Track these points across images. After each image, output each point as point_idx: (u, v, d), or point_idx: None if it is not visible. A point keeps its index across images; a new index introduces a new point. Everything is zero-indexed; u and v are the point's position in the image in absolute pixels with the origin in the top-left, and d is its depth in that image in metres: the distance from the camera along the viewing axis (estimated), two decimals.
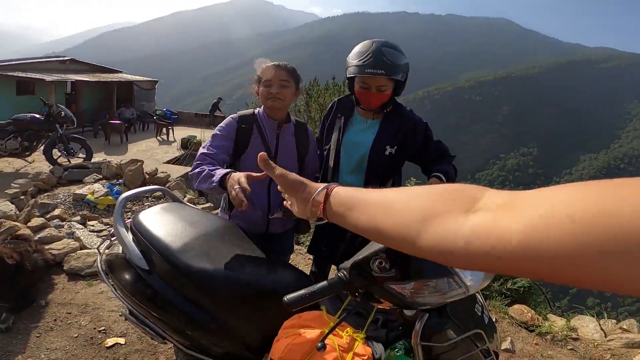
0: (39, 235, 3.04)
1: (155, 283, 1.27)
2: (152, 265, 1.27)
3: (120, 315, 2.27)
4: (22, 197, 4.00)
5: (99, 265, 1.42)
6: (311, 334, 1.03)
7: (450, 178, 1.47)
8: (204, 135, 11.42)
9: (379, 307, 1.09)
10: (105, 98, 15.34)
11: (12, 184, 4.24)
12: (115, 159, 5.27)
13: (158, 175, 4.74)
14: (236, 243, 1.36)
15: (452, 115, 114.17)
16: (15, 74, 11.92)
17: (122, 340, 2.10)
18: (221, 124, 1.60)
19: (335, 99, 1.79)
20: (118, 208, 1.38)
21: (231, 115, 1.63)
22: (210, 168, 1.36)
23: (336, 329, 0.97)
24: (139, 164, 4.73)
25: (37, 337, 2.11)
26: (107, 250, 1.47)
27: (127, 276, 1.32)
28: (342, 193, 0.56)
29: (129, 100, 15.68)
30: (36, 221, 3.31)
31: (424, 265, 0.86)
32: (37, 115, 5.94)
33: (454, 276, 0.85)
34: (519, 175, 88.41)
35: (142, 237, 1.29)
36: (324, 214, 0.59)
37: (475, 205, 0.35)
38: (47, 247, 2.88)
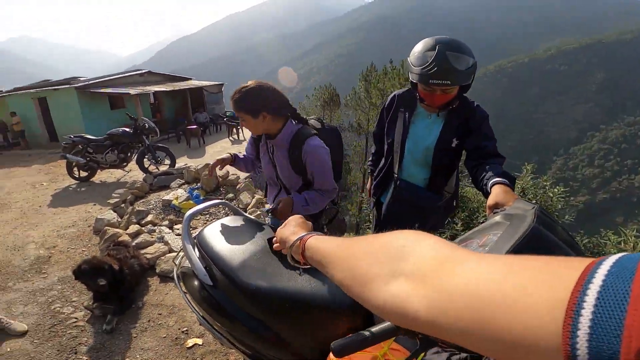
0: (135, 241, 3.39)
1: (219, 297, 1.34)
2: (216, 281, 1.34)
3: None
4: (122, 205, 4.58)
5: (175, 276, 1.53)
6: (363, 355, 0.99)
7: (511, 179, 1.34)
8: None
9: None
10: (181, 105, 16.80)
11: (113, 194, 4.88)
12: (195, 162, 5.72)
13: (229, 177, 5.06)
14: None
15: (532, 87, 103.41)
16: (107, 90, 13.59)
17: (200, 341, 2.24)
18: None
19: (396, 93, 1.78)
20: (185, 226, 1.45)
21: None
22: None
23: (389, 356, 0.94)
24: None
25: (135, 337, 2.34)
26: (181, 263, 1.57)
27: (196, 289, 1.41)
28: (314, 246, 0.59)
29: (201, 105, 16.96)
30: (133, 228, 3.74)
31: None
32: (127, 129, 6.73)
33: None
34: (626, 147, 76.43)
35: (206, 253, 1.36)
36: (306, 263, 0.64)
37: (400, 266, 0.38)
38: (142, 251, 3.20)
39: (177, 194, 4.69)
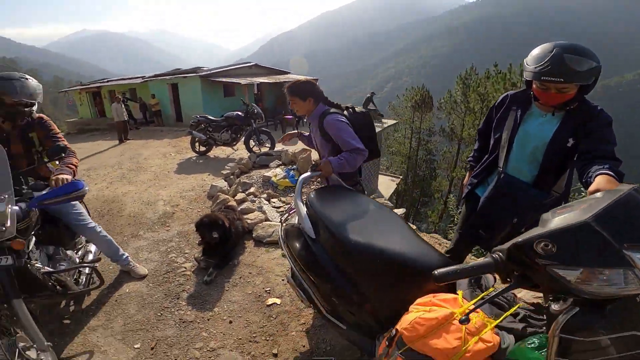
0: (240, 207, 4.00)
1: (317, 251, 1.54)
2: (318, 235, 1.55)
3: (283, 280, 2.70)
4: (232, 176, 5.40)
5: (280, 232, 1.82)
6: (440, 312, 1.08)
7: (619, 175, 1.28)
8: None
9: (523, 301, 1.12)
10: (280, 96, 18.24)
11: (225, 167, 5.75)
12: (290, 149, 6.34)
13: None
14: (387, 223, 1.55)
15: None
16: (223, 79, 15.54)
17: (278, 301, 2.49)
18: None
19: (509, 93, 1.82)
20: (298, 187, 1.76)
21: None
22: None
23: (473, 319, 1.01)
24: (307, 152, 5.63)
25: (226, 290, 2.66)
26: (286, 222, 1.87)
27: (297, 243, 1.65)
28: None
29: None
30: (239, 196, 4.41)
31: (597, 251, 0.78)
32: (240, 113, 7.76)
33: (634, 269, 0.74)
34: None
35: (314, 211, 1.60)
36: None
37: None
38: (245, 217, 3.71)
39: (275, 172, 5.33)
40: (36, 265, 1.92)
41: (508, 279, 0.92)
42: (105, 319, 2.40)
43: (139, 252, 3.31)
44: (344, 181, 2.05)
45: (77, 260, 2.46)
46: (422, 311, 1.10)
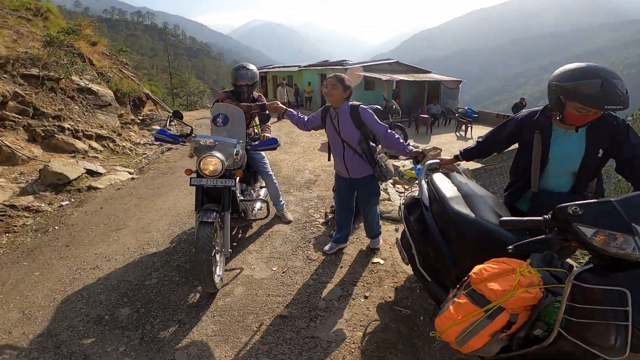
0: None
1: (428, 218, 1.98)
2: (431, 206, 1.99)
3: (391, 247, 3.19)
4: None
5: (401, 203, 2.32)
6: (504, 266, 1.37)
7: None
8: None
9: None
10: (417, 94, 18.42)
11: None
12: (422, 146, 6.84)
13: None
14: (489, 205, 1.86)
15: None
16: (365, 73, 16.68)
17: (381, 261, 3.01)
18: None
19: (519, 118, 1.98)
20: (425, 167, 2.26)
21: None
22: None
23: (524, 273, 1.32)
24: (438, 151, 6.06)
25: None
26: (407, 196, 2.38)
27: (413, 211, 2.12)
28: None
29: (436, 97, 17.99)
30: None
31: (612, 220, 1.10)
32: (379, 107, 8.54)
33: (636, 236, 1.06)
34: None
35: (432, 187, 2.07)
36: None
37: None
38: None
39: (404, 163, 5.95)
40: (237, 194, 2.95)
41: (549, 231, 1.30)
42: (259, 246, 3.38)
43: (288, 204, 4.29)
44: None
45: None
46: (489, 263, 1.43)
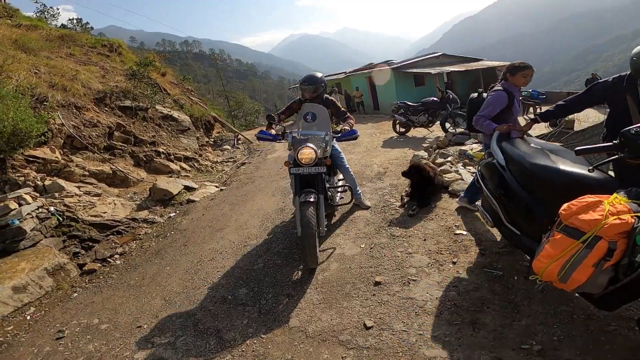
0: (440, 168, 4.82)
1: (509, 178, 2.16)
2: (509, 166, 2.17)
3: (471, 220, 3.37)
4: (430, 149, 6.38)
5: (477, 168, 2.53)
6: (592, 199, 1.44)
7: None
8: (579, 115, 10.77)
9: None
10: (472, 84, 17.77)
11: (424, 142, 6.78)
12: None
13: None
14: (569, 155, 2.02)
15: None
16: (414, 70, 16.59)
17: (464, 232, 3.20)
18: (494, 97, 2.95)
19: (606, 84, 2.60)
20: (496, 134, 2.49)
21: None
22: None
23: (612, 203, 1.40)
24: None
25: (424, 222, 3.55)
26: (480, 164, 2.60)
27: (492, 176, 2.30)
28: None
29: (493, 83, 17.19)
30: (439, 160, 5.28)
31: None
32: (435, 99, 8.64)
33: None
34: None
35: (507, 150, 2.27)
36: None
37: None
38: (443, 175, 4.48)
39: (472, 147, 5.97)
40: (326, 182, 3.39)
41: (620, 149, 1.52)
42: (344, 230, 3.74)
43: (364, 194, 4.61)
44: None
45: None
46: (577, 198, 1.50)
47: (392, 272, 2.87)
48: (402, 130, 9.12)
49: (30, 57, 7.36)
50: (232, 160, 9.48)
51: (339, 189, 4.07)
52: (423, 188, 3.99)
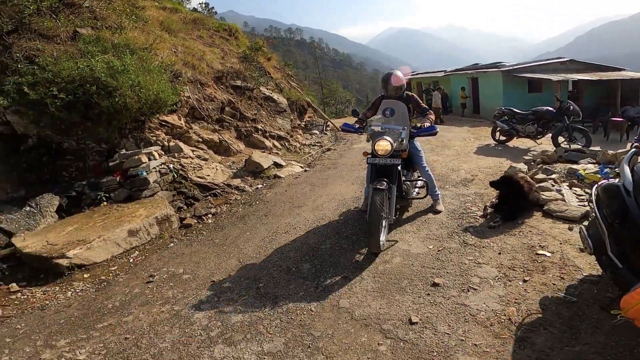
0: (538, 184, 4.33)
1: (631, 205, 1.92)
2: (636, 190, 1.93)
3: (561, 243, 3.07)
4: (532, 162, 5.75)
5: (593, 192, 2.29)
6: None
7: None
8: None
9: None
10: (605, 95, 15.08)
11: (527, 154, 6.13)
12: (611, 150, 5.79)
13: None
14: None
15: None
16: (529, 75, 14.76)
17: (548, 254, 2.95)
18: None
19: None
20: (629, 155, 2.22)
21: None
22: None
23: None
24: (637, 156, 5.02)
25: (503, 235, 3.34)
26: (599, 186, 2.31)
27: (610, 200, 2.06)
28: None
29: (634, 98, 14.39)
30: (540, 176, 4.72)
31: None
32: (551, 108, 7.65)
33: None
34: None
35: (637, 175, 2.00)
36: None
37: None
38: (541, 193, 4.03)
39: (585, 167, 5.20)
40: (401, 175, 3.54)
41: None
42: (415, 228, 3.72)
43: (445, 197, 4.49)
44: None
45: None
46: None
47: (453, 277, 2.81)
48: (503, 138, 8.31)
49: (171, 37, 8.75)
50: (319, 144, 9.95)
51: (418, 185, 4.16)
52: (513, 202, 3.71)
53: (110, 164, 5.30)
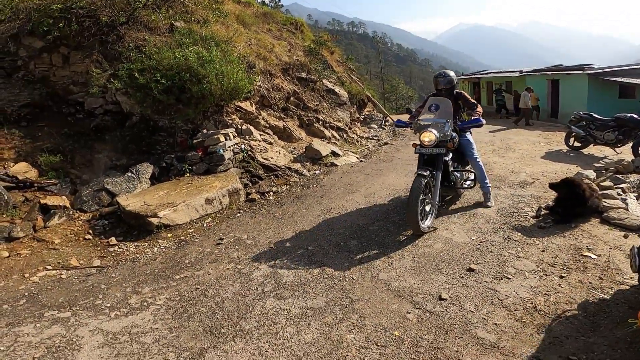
0: (602, 191, 4.18)
1: None
2: None
3: (610, 248, 3.05)
4: (603, 170, 5.42)
5: None
6: None
7: None
8: None
9: None
10: None
11: (599, 162, 5.76)
12: None
13: None
14: None
15: None
16: (618, 79, 13.20)
17: (593, 256, 2.94)
18: None
19: None
20: None
21: None
22: None
23: None
24: None
25: (551, 236, 3.36)
26: None
27: None
28: None
29: None
30: (606, 183, 4.50)
31: None
32: (635, 116, 6.98)
33: None
34: None
35: None
36: None
37: None
38: (603, 200, 3.89)
39: None
40: (450, 166, 3.87)
41: None
42: (462, 220, 3.88)
43: (497, 196, 4.54)
44: None
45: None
46: None
47: (489, 266, 2.98)
48: (577, 145, 7.74)
49: (246, 30, 9.55)
50: (376, 138, 10.16)
51: (470, 178, 4.42)
52: (570, 205, 3.68)
53: (194, 141, 6.17)
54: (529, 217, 3.88)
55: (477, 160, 4.24)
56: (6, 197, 4.70)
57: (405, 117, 5.03)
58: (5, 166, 5.36)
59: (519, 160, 6.75)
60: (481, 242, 3.42)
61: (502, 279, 2.79)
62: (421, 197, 3.41)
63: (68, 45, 6.57)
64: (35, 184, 5.22)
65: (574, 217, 3.66)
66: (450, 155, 4.01)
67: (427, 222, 3.63)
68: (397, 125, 4.43)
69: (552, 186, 3.97)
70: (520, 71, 19.16)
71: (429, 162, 3.71)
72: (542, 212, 3.90)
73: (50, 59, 6.64)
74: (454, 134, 3.87)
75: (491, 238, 3.47)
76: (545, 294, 2.56)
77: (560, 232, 3.48)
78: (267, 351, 2.25)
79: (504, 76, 20.44)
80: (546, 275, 2.79)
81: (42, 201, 4.82)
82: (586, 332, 2.17)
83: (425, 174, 3.46)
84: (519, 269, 2.90)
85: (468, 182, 4.40)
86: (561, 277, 2.74)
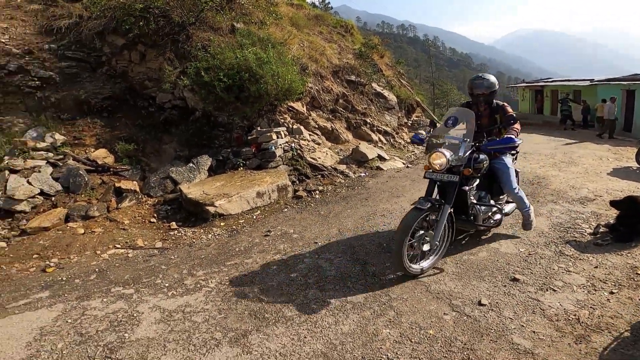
0: None
1: None
2: None
3: None
4: None
5: None
6: None
7: None
8: None
9: None
10: None
11: None
12: None
13: None
14: None
15: None
16: None
17: None
18: None
19: None
20: None
21: None
22: None
23: None
24: None
25: (606, 254, 3.20)
26: None
27: None
28: None
29: None
30: None
31: None
32: None
33: None
34: None
35: None
36: None
37: None
38: None
39: None
40: (470, 196, 3.13)
41: None
42: (511, 232, 3.77)
43: (552, 211, 4.34)
44: None
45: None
46: None
47: (536, 277, 2.92)
48: None
49: (299, 32, 9.86)
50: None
51: (504, 210, 3.64)
52: (632, 223, 3.47)
53: (249, 137, 6.59)
54: (586, 234, 3.70)
55: (516, 191, 3.42)
56: (86, 179, 5.38)
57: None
58: (87, 151, 6.14)
59: (581, 175, 6.32)
60: (530, 254, 3.33)
61: (547, 290, 2.73)
62: (421, 232, 2.91)
63: (145, 44, 7.32)
64: (111, 169, 5.91)
65: (637, 236, 3.43)
66: (476, 182, 3.24)
67: (426, 263, 3.03)
68: (412, 141, 3.65)
69: (614, 203, 3.75)
70: (592, 80, 17.63)
71: (442, 190, 3.06)
72: (601, 230, 3.70)
73: (130, 55, 7.45)
74: (481, 156, 3.10)
75: (541, 251, 3.37)
76: (591, 307, 2.50)
77: (618, 250, 3.31)
78: (305, 337, 2.41)
79: (572, 84, 18.95)
80: (595, 290, 2.70)
81: (117, 185, 5.46)
82: (627, 345, 2.13)
83: (423, 207, 2.81)
84: (566, 283, 2.82)
85: (496, 218, 3.51)
86: (611, 292, 2.65)
